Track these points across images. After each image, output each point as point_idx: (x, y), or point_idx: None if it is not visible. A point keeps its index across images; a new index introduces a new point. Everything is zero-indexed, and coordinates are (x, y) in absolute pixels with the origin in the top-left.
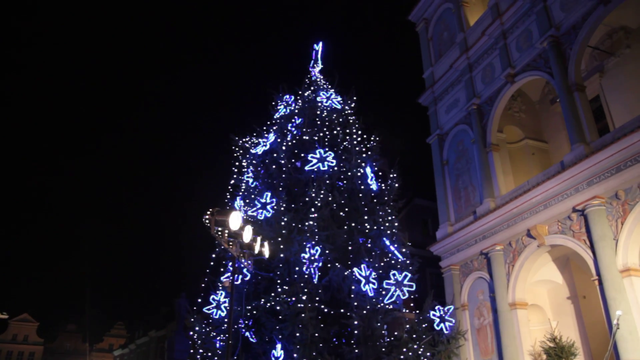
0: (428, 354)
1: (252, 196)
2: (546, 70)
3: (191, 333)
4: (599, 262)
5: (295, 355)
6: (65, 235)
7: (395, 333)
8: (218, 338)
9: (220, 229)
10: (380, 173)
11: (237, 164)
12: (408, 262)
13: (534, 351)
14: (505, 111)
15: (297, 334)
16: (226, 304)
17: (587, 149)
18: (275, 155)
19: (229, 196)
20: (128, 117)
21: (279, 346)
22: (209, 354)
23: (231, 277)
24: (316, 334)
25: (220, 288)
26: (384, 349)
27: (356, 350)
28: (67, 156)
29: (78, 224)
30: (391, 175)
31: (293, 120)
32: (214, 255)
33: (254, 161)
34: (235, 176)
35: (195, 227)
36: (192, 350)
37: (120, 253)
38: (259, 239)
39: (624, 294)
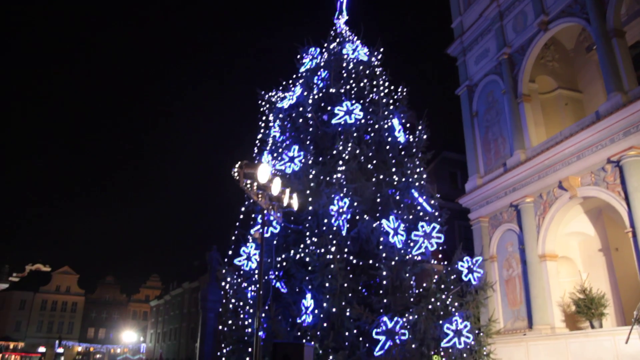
0: (456, 304)
1: (280, 150)
2: (582, 16)
3: (223, 284)
4: (633, 214)
5: (324, 304)
6: (102, 190)
7: (424, 284)
8: (249, 289)
9: (249, 181)
10: (408, 125)
11: (264, 118)
12: (437, 213)
13: (563, 302)
14: (537, 60)
15: (327, 285)
16: (256, 256)
17: (625, 98)
18: (301, 109)
19: (256, 150)
20: (161, 78)
21: (308, 296)
22: (241, 303)
23: (261, 230)
24: (345, 284)
25: (250, 240)
26: (412, 299)
27: (385, 300)
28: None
29: (115, 180)
30: (419, 128)
31: (319, 73)
32: (243, 209)
33: (280, 115)
34: (262, 130)
35: (225, 181)
36: (224, 301)
37: (155, 208)
38: (287, 191)
39: None
